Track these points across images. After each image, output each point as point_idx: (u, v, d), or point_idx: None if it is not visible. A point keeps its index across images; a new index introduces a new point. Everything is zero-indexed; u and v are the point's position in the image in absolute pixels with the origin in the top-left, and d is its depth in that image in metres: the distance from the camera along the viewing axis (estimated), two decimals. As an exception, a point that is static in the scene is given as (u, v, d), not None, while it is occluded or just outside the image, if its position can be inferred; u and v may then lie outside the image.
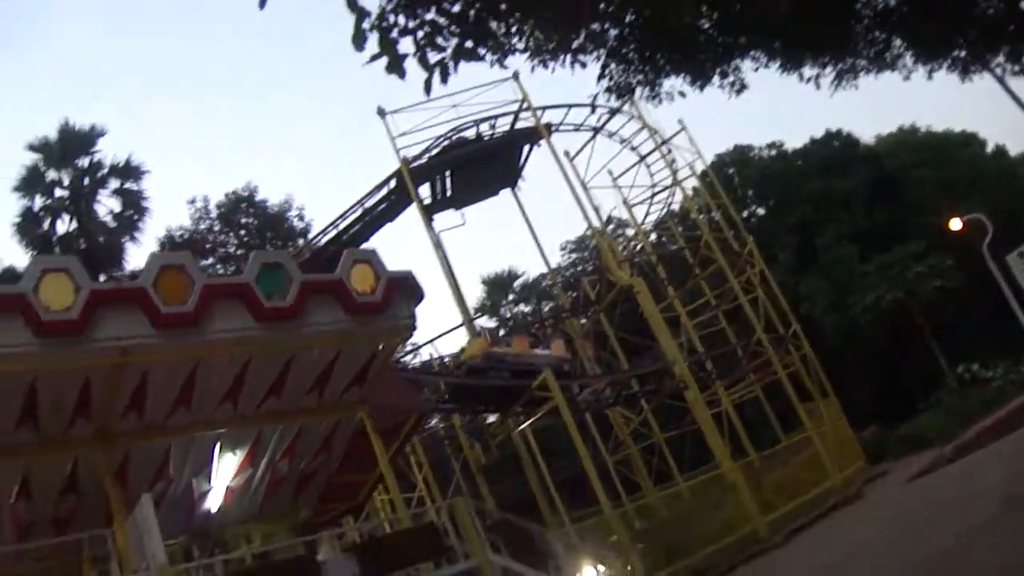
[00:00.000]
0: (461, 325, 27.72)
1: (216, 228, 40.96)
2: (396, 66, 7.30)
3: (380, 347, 13.61)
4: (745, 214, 45.11)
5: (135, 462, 12.83)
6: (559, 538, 16.31)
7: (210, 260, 38.52)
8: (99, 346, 10.62)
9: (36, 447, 11.77)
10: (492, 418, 28.81)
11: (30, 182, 33.36)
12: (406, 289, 13.04)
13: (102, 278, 28.77)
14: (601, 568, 16.25)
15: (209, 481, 14.31)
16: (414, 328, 13.44)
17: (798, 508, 23.89)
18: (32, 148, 33.57)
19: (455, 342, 48.80)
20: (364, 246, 23.99)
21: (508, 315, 56.10)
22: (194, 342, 11.26)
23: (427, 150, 27.59)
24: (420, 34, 7.70)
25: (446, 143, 27.87)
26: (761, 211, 49.05)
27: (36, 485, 12.49)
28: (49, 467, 12.31)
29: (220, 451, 13.95)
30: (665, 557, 20.69)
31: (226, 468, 14.27)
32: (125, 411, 12.00)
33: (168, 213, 58.27)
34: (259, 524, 15.96)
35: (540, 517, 22.70)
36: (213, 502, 14.67)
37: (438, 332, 34.73)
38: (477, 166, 27.97)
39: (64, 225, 34.00)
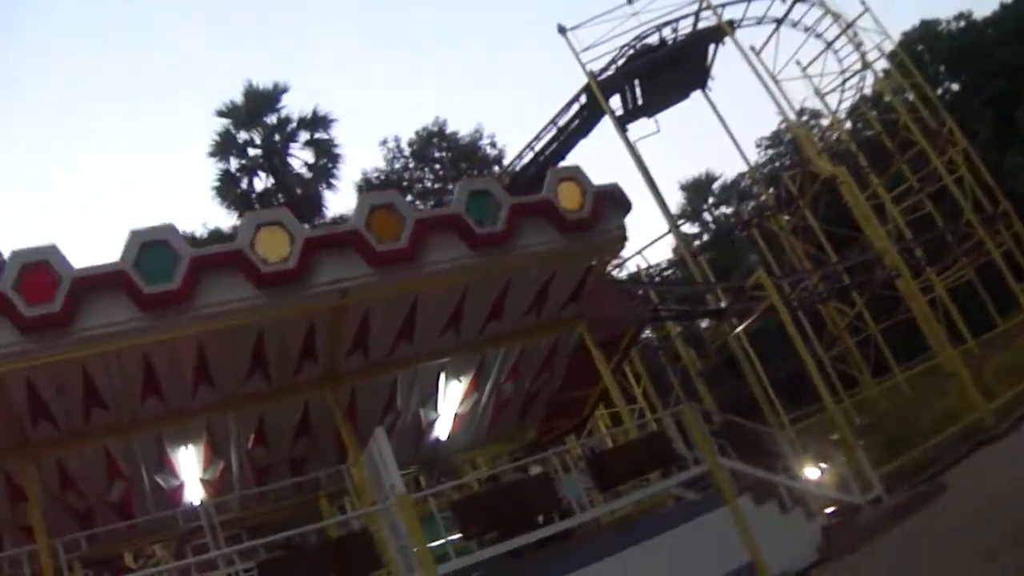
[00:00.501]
0: (667, 233, 27.13)
1: (411, 166, 41.32)
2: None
3: (593, 262, 13.48)
4: (939, 92, 41.51)
5: (363, 399, 13.13)
6: (783, 438, 15.74)
7: (408, 198, 38.93)
8: (319, 291, 10.82)
9: (268, 395, 12.24)
10: (705, 323, 28.19)
11: (224, 145, 34.71)
12: (613, 202, 12.88)
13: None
14: (825, 466, 15.79)
15: (436, 410, 14.50)
16: (625, 240, 13.30)
17: (1022, 394, 22.12)
18: (221, 113, 34.87)
19: (660, 252, 48.15)
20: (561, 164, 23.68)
21: (710, 219, 54.56)
22: (411, 277, 11.36)
23: (613, 62, 27.08)
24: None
25: (631, 52, 27.21)
26: (955, 87, 45.04)
27: (271, 430, 13.04)
28: (282, 412, 12.79)
29: (445, 380, 14.08)
30: (888, 451, 19.73)
31: (452, 396, 14.43)
32: (350, 351, 12.22)
33: (361, 157, 60.36)
34: (486, 448, 16.16)
35: (761, 419, 22.04)
36: (441, 430, 14.88)
37: (641, 242, 34.15)
38: (664, 71, 27.14)
39: (261, 182, 35.28)
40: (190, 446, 12.43)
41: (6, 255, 10.93)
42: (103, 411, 11.17)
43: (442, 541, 11.51)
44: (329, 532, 13.17)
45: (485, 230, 11.59)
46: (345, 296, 11.01)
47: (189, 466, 12.75)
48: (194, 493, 13.16)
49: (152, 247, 10.07)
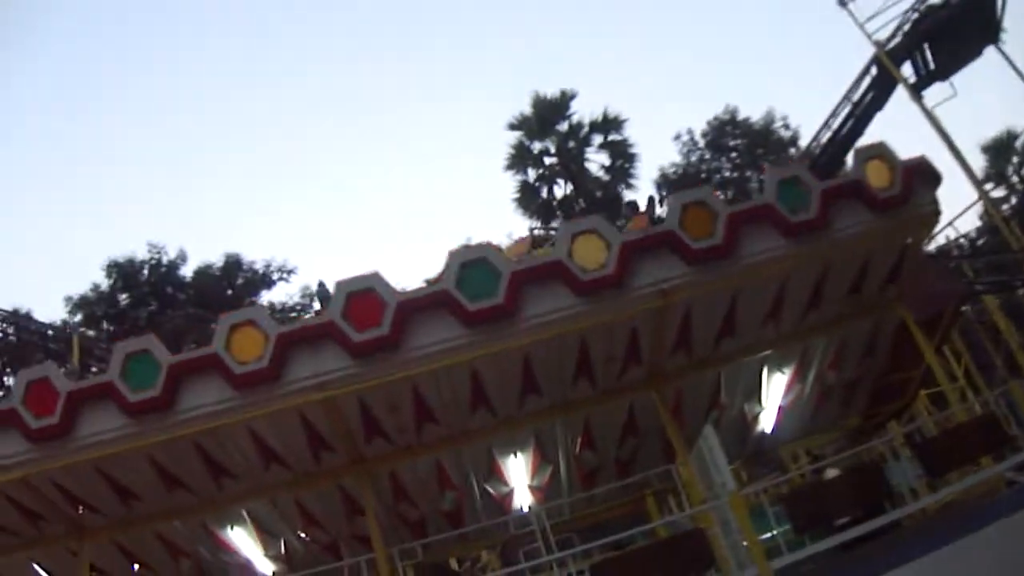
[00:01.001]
0: (978, 201, 24.28)
1: (707, 157, 40.49)
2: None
3: (908, 239, 12.57)
4: None
5: (688, 397, 12.73)
6: None
7: (706, 190, 38.40)
8: (639, 294, 10.67)
9: (594, 399, 12.15)
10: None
11: (519, 157, 35.95)
12: (923, 176, 12.08)
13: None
14: None
15: (760, 404, 13.82)
16: (938, 214, 12.48)
17: None
18: (512, 127, 36.14)
19: (968, 221, 43.73)
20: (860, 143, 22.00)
21: (1017, 179, 48.63)
22: (728, 272, 11.00)
23: (898, 28, 24.66)
24: None
25: (915, 16, 24.56)
26: None
27: (597, 433, 12.95)
28: (608, 415, 12.65)
29: (768, 372, 13.40)
30: None
31: (775, 388, 13.73)
32: (673, 350, 11.88)
33: (657, 153, 60.04)
34: (810, 439, 15.32)
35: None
36: (765, 423, 14.19)
37: (949, 213, 31.05)
38: (953, 30, 24.29)
39: (560, 189, 36.18)
40: (519, 454, 12.58)
41: (329, 285, 11.45)
42: (434, 425, 11.52)
43: (772, 535, 11.21)
44: (657, 531, 13.01)
45: (799, 218, 11.11)
46: (666, 297, 10.71)
47: (518, 473, 12.90)
48: (523, 499, 13.33)
49: (472, 266, 10.30)
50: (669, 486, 13.23)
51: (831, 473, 12.12)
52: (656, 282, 10.66)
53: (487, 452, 12.49)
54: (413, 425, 11.45)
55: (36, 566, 12.98)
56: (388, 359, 10.16)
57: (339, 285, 10.29)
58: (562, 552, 10.57)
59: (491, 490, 13.22)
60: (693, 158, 40.50)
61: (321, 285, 16.25)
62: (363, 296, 10.16)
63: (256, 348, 10.15)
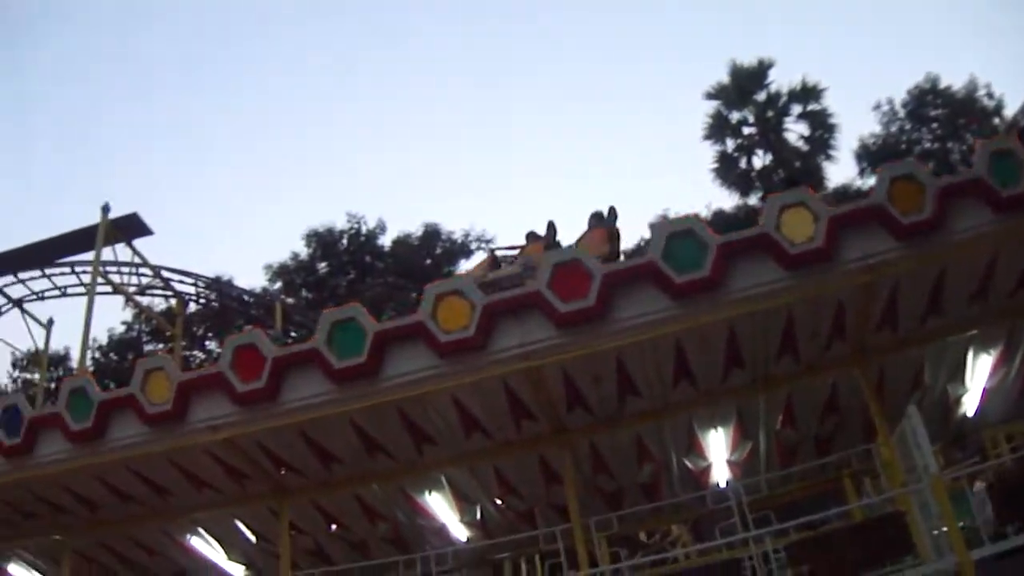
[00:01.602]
0: None
1: (907, 127, 40.81)
2: None
3: None
4: None
5: (890, 376, 13.18)
6: None
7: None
8: (847, 268, 11.11)
9: (797, 374, 12.74)
10: None
11: (717, 127, 37.98)
12: None
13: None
14: None
15: (964, 385, 14.13)
16: None
17: None
18: (710, 96, 38.17)
19: None
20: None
21: None
22: (937, 247, 11.27)
23: None
24: None
25: None
26: None
27: (799, 410, 13.56)
28: (810, 391, 13.24)
29: (973, 353, 13.66)
30: None
31: (980, 369, 13.97)
32: (878, 327, 12.33)
33: (856, 124, 59.97)
34: (1013, 424, 15.49)
35: None
36: (969, 406, 14.49)
37: None
38: None
39: (759, 160, 37.84)
40: (719, 428, 13.34)
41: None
42: (636, 397, 12.38)
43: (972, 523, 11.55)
44: (853, 513, 13.61)
45: (1010, 192, 11.22)
46: (873, 272, 11.15)
47: (717, 448, 13.68)
48: (720, 474, 14.14)
49: (679, 237, 10.98)
50: (868, 467, 13.74)
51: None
52: (864, 256, 11.06)
53: (687, 426, 13.28)
54: (615, 397, 12.31)
55: (239, 523, 14.59)
56: (593, 330, 10.97)
57: (546, 256, 11.21)
58: (759, 530, 11.29)
59: (689, 464, 14.06)
60: (893, 128, 40.99)
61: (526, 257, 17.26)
62: (569, 267, 11.00)
63: (462, 317, 11.15)
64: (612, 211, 16.17)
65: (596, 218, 16.23)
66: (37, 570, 16.79)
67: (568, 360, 11.29)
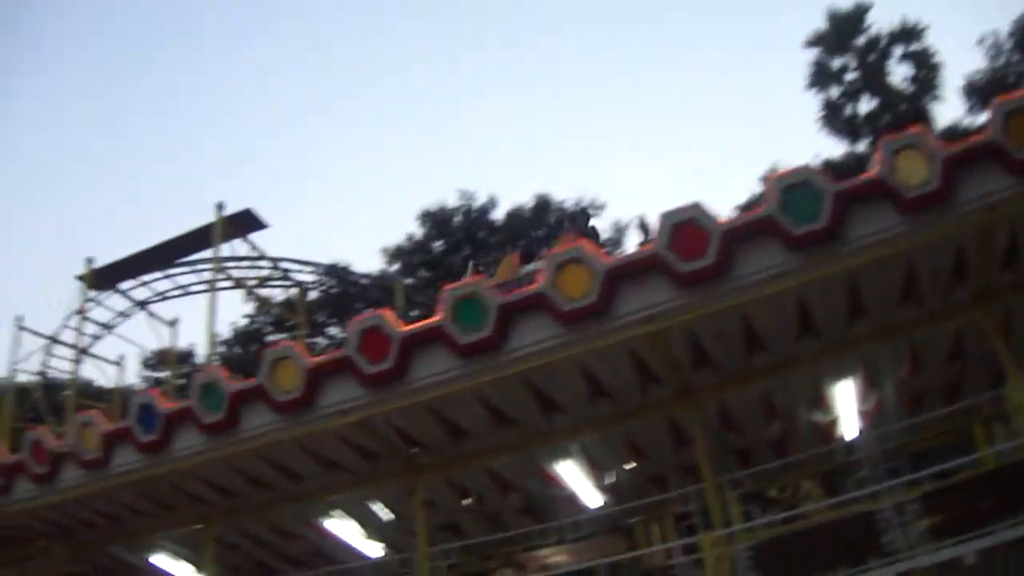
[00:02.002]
0: None
1: (1014, 60, 40.24)
2: None
3: None
4: None
5: (1018, 318, 13.50)
6: None
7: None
8: (965, 210, 11.46)
9: (920, 320, 13.22)
10: None
11: (819, 75, 39.51)
12: None
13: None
14: None
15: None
16: None
17: None
18: (809, 44, 39.81)
19: None
20: None
21: None
22: None
23: None
24: None
25: None
26: None
27: (924, 357, 14.07)
28: (935, 337, 13.69)
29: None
30: None
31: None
32: (1001, 269, 12.68)
33: (960, 60, 59.39)
34: None
35: None
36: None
37: None
38: None
39: (864, 105, 38.88)
40: (845, 380, 13.85)
41: (650, 219, 13.18)
42: (761, 353, 13.06)
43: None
44: (986, 460, 13.97)
45: None
46: (992, 212, 11.47)
47: (844, 400, 14.24)
48: (849, 426, 14.78)
49: (794, 189, 11.52)
50: (999, 412, 14.07)
51: None
52: (982, 196, 11.35)
53: (813, 379, 13.86)
54: (740, 354, 13.03)
55: (373, 503, 15.78)
56: (714, 289, 11.67)
57: (662, 217, 11.87)
58: (890, 481, 11.81)
59: (816, 418, 14.74)
60: (999, 62, 40.38)
61: (641, 219, 18.17)
62: (687, 226, 11.69)
63: (583, 284, 11.97)
64: (585, 214, 16.78)
65: (570, 220, 16.87)
66: (182, 559, 18.27)
67: (691, 320, 12.00)
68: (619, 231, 43.08)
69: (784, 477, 14.40)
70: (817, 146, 49.27)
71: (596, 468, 15.44)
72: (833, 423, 14.89)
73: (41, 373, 26.82)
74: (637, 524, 14.97)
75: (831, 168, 34.09)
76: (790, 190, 11.54)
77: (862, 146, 36.95)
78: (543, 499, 16.17)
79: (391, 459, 14.66)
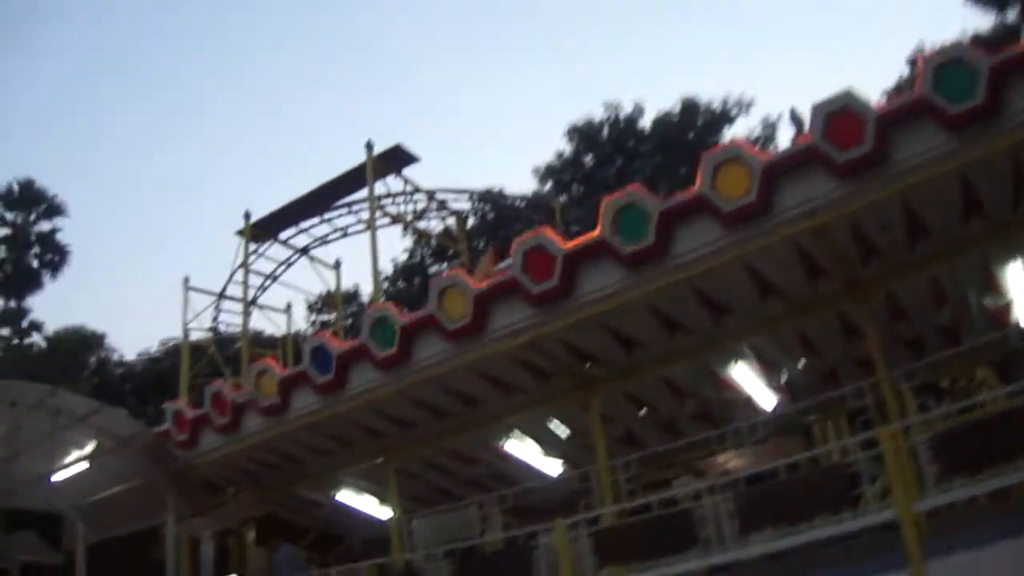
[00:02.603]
0: None
1: None
2: None
3: None
4: None
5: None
6: None
7: None
8: None
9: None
10: None
11: None
12: None
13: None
14: None
15: None
16: None
17: None
18: None
19: None
20: None
21: None
22: None
23: None
24: None
25: None
26: None
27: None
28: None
29: None
30: None
31: None
32: None
33: None
34: None
35: None
36: None
37: None
38: None
39: None
40: (1017, 261, 14.43)
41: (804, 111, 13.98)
42: (927, 240, 13.78)
43: None
44: None
45: None
46: None
47: (1017, 283, 14.83)
48: (1022, 310, 15.46)
49: (948, 67, 12.04)
50: None
51: None
52: None
53: (982, 262, 14.58)
54: (905, 242, 13.77)
55: (550, 421, 17.44)
56: (874, 177, 12.40)
57: (815, 108, 12.58)
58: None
59: (988, 303, 15.51)
60: None
61: (792, 111, 19.18)
62: (841, 115, 12.37)
63: (742, 183, 12.95)
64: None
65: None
66: (365, 493, 20.39)
67: (853, 211, 12.79)
68: (769, 127, 44.05)
69: (958, 366, 15.15)
70: (964, 22, 48.04)
71: (769, 369, 16.66)
72: (1006, 307, 15.57)
73: (213, 329, 29.53)
74: (813, 423, 16.11)
75: (980, 42, 33.66)
76: (943, 69, 12.05)
77: (1011, 15, 36.01)
78: (718, 404, 17.56)
79: (565, 376, 16.17)
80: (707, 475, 16.43)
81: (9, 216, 54.82)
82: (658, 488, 15.57)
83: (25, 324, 54.03)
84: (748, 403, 17.30)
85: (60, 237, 55.57)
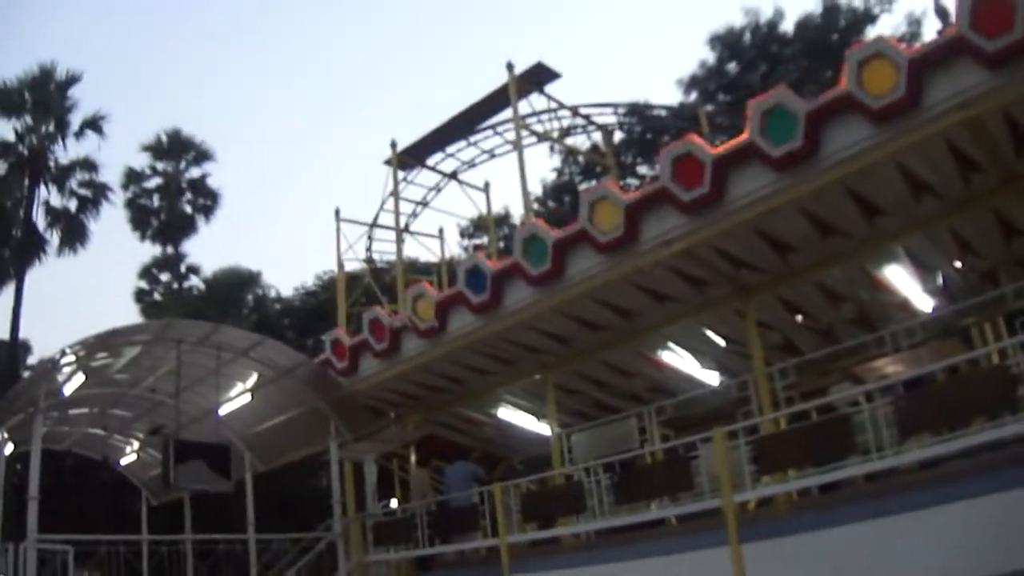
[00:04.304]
0: None
1: None
2: None
3: None
4: None
5: None
6: None
7: None
8: None
9: None
10: None
11: None
12: None
13: None
14: None
15: None
16: None
17: None
18: None
19: None
20: None
21: None
22: None
23: None
24: None
25: None
26: None
27: None
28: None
29: None
30: None
31: None
32: None
33: None
34: None
35: None
36: None
37: None
38: None
39: None
40: None
41: None
42: None
43: None
44: None
45: None
46: None
47: None
48: None
49: None
50: None
51: None
52: None
53: None
54: None
55: (706, 330, 18.58)
56: None
57: None
58: None
59: None
60: None
61: (937, 3, 19.67)
62: (988, 3, 12.58)
63: (889, 79, 13.44)
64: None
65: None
66: (525, 411, 21.90)
67: (1007, 102, 13.11)
68: (914, 23, 44.42)
69: None
70: None
71: (925, 270, 17.35)
72: None
73: (367, 259, 31.40)
74: (971, 325, 16.72)
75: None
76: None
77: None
78: (875, 308, 18.44)
79: (719, 284, 17.27)
80: (866, 381, 17.13)
81: (160, 166, 58.42)
82: (816, 396, 16.31)
83: (183, 268, 58.03)
84: (904, 306, 18.07)
85: (210, 182, 59.04)
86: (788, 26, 47.06)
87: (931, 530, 12.23)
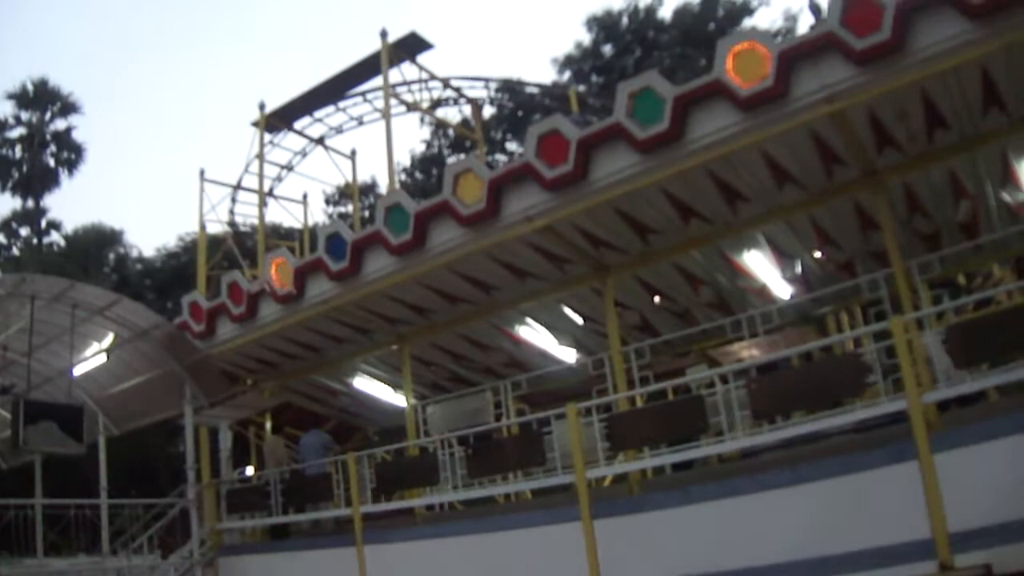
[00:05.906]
0: None
1: None
2: None
3: None
4: None
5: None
6: None
7: None
8: None
9: None
10: None
11: None
12: None
13: None
14: None
15: None
16: None
17: None
18: None
19: None
20: None
21: None
22: None
23: None
24: None
25: None
26: None
27: None
28: None
29: None
30: None
31: None
32: None
33: None
34: None
35: None
36: None
37: None
38: None
39: None
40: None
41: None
42: (945, 131, 14.31)
43: None
44: None
45: None
46: None
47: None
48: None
49: None
50: None
51: None
52: None
53: (1001, 156, 15.18)
54: (923, 132, 14.29)
55: (565, 307, 18.46)
56: (892, 64, 12.77)
57: None
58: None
59: (1007, 198, 16.16)
60: None
61: (811, 1, 19.82)
62: (859, 1, 12.74)
63: (760, 69, 13.46)
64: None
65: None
66: (381, 381, 21.58)
67: (871, 99, 13.28)
68: (790, 19, 45.76)
69: (974, 261, 15.83)
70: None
71: (785, 258, 17.57)
72: (1022, 203, 16.21)
73: (230, 222, 30.64)
74: (827, 314, 16.98)
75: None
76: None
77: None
78: (733, 293, 18.57)
79: (580, 262, 17.14)
80: (721, 364, 17.31)
81: (24, 116, 56.23)
82: (672, 376, 16.40)
83: (43, 223, 56.02)
84: (763, 292, 18.26)
85: (76, 135, 56.99)
86: (667, 13, 47.76)
87: (782, 510, 12.43)
